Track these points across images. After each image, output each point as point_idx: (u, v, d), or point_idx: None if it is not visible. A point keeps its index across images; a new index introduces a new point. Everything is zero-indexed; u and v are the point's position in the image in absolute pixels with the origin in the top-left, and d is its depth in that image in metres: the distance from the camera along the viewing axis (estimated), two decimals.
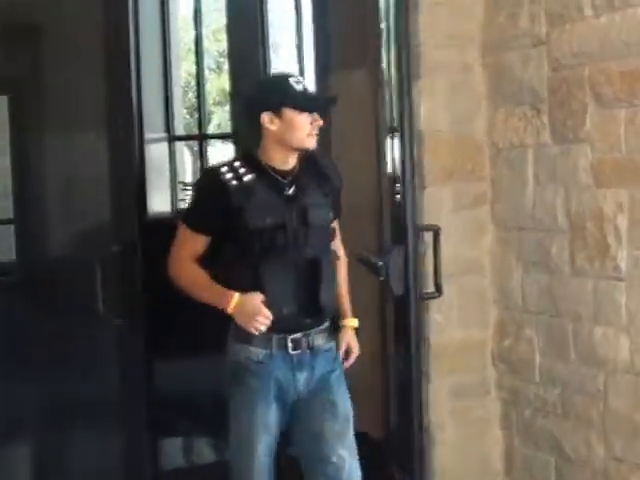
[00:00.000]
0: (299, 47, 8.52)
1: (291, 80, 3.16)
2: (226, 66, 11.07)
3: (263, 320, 3.10)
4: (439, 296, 4.02)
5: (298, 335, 3.20)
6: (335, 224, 3.38)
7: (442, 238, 4.26)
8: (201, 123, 9.95)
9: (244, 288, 3.14)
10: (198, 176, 10.06)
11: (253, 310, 3.08)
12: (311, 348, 3.22)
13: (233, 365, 3.22)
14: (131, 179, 3.76)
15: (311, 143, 3.20)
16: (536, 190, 4.20)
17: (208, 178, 3.22)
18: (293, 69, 8.49)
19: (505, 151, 4.37)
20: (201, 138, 9.75)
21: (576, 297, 4.01)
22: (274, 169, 3.20)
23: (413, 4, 4.22)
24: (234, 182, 3.10)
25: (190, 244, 3.17)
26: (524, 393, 4.32)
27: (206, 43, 11.61)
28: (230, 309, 3.09)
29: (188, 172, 12.45)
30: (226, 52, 10.34)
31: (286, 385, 3.21)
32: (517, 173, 4.30)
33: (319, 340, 3.25)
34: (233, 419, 3.20)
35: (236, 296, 3.07)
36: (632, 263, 3.73)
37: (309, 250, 3.18)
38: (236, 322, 3.20)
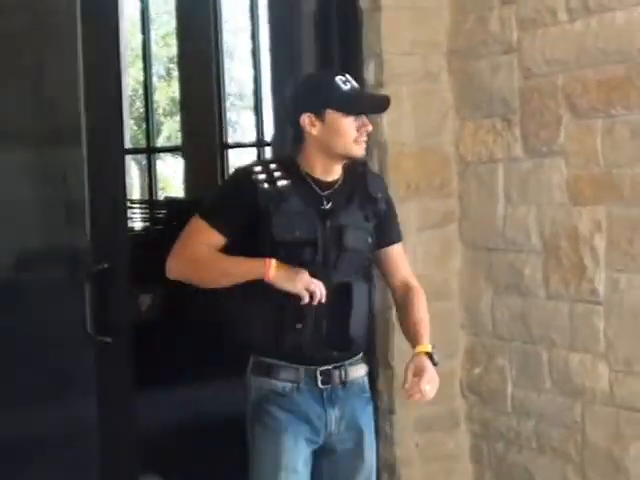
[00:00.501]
0: (254, 52, 8.52)
1: (337, 79, 3.01)
2: (176, 73, 11.01)
3: (311, 279, 2.88)
4: None
5: (328, 367, 3.04)
6: (399, 249, 3.22)
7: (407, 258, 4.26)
8: (149, 135, 9.93)
9: (263, 308, 2.97)
10: (147, 192, 10.02)
11: (298, 269, 2.91)
12: (344, 382, 3.06)
13: (255, 400, 3.04)
14: (117, 194, 3.74)
15: (358, 151, 3.04)
16: (507, 207, 4.22)
17: (238, 175, 3.08)
18: (248, 75, 8.44)
19: (474, 165, 4.37)
20: (149, 151, 9.73)
21: (551, 322, 4.01)
22: (314, 179, 3.06)
23: (375, 8, 4.25)
24: (266, 185, 2.98)
25: (203, 237, 2.98)
26: (496, 426, 4.30)
27: (155, 48, 11.63)
28: (271, 275, 2.88)
29: (135, 188, 12.36)
30: (176, 58, 10.30)
31: (317, 422, 3.04)
32: (487, 189, 4.30)
33: (352, 374, 3.09)
34: (256, 461, 3.04)
35: (274, 260, 2.89)
36: (610, 286, 3.75)
37: (339, 275, 3.02)
38: (255, 355, 3.06)
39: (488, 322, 4.33)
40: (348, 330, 2.99)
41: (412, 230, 4.30)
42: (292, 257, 2.95)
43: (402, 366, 4.05)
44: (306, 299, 2.88)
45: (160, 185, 11.06)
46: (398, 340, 4.17)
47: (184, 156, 9.20)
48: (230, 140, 8.58)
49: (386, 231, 3.17)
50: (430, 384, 2.95)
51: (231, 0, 8.98)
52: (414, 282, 3.23)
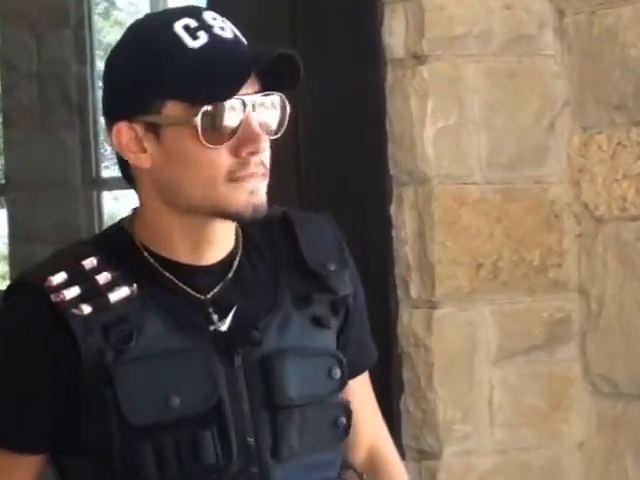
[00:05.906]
0: None
1: (177, 27, 2.17)
2: None
3: None
4: None
5: None
6: (365, 381, 2.55)
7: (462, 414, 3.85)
8: None
9: None
10: None
11: None
12: None
13: None
14: None
15: (240, 201, 2.19)
16: None
17: (17, 310, 2.30)
18: None
19: (613, 225, 3.93)
20: None
21: None
22: (175, 267, 2.29)
23: None
24: (85, 308, 2.24)
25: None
26: None
27: None
28: None
29: None
30: None
31: None
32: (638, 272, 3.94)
33: None
34: None
35: None
36: None
37: (285, 472, 2.34)
38: None
39: None
40: None
41: (485, 357, 3.91)
42: (176, 455, 2.25)
43: None
44: None
45: None
46: None
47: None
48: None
49: (352, 347, 2.45)
50: None
51: None
52: (390, 452, 2.61)
